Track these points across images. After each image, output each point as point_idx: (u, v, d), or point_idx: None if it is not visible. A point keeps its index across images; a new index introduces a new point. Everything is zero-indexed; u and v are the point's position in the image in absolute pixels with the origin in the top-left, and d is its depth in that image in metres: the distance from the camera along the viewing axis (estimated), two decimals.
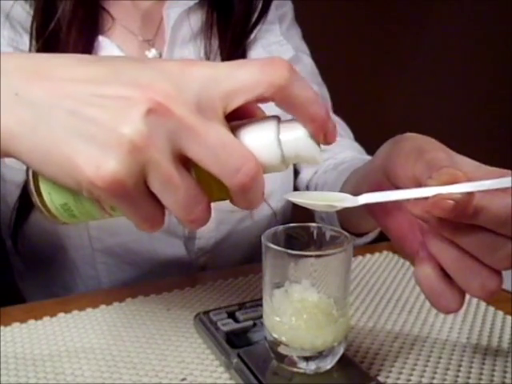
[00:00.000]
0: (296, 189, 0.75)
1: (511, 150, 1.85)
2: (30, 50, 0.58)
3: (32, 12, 0.59)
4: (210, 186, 0.32)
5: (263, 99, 0.30)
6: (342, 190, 0.59)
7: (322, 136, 0.32)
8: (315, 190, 0.72)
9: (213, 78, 0.29)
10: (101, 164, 0.28)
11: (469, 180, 0.30)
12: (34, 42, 0.58)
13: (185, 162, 0.30)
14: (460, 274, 0.32)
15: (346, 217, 0.61)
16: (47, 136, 0.29)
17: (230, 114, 0.31)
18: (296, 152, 0.32)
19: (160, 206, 0.31)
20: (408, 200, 0.32)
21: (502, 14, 1.89)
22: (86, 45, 0.60)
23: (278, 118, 0.32)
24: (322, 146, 0.33)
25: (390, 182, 0.37)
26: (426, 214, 0.31)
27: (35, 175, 0.34)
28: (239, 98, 0.30)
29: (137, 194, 0.30)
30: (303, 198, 0.34)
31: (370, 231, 0.61)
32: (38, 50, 0.58)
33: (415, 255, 0.35)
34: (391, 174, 0.37)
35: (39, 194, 0.34)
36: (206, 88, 0.29)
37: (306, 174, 0.74)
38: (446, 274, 0.33)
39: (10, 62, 0.31)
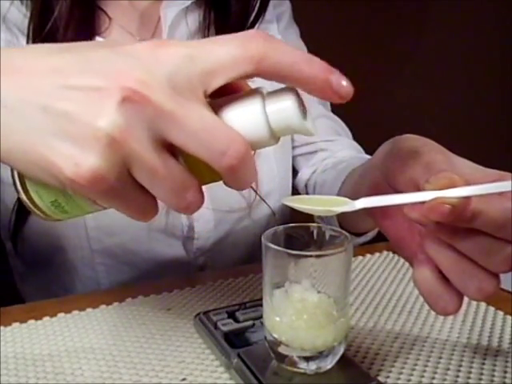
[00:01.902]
0: (294, 188, 0.75)
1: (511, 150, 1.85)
2: None
3: (28, 14, 0.59)
4: (200, 170, 0.30)
5: (248, 76, 0.29)
6: (340, 190, 0.59)
7: (333, 94, 0.29)
8: (314, 188, 0.72)
9: (188, 58, 0.28)
10: (79, 162, 0.27)
11: (466, 183, 0.30)
12: (30, 44, 0.58)
13: (170, 148, 0.29)
14: (457, 276, 0.32)
15: (344, 217, 0.60)
16: (23, 136, 0.28)
17: (218, 92, 0.29)
18: (285, 124, 0.30)
19: (151, 196, 0.30)
20: (405, 204, 0.32)
21: (501, 12, 1.89)
22: None
23: (263, 91, 0.30)
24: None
25: (388, 184, 0.37)
26: (424, 218, 0.31)
27: (20, 174, 0.33)
28: (219, 78, 0.28)
29: (122, 188, 0.29)
30: (300, 203, 0.34)
31: (368, 231, 0.61)
32: None
33: (414, 257, 0.35)
34: (389, 176, 0.37)
35: (27, 193, 0.34)
36: (182, 69, 0.28)
37: (304, 173, 0.74)
38: (443, 277, 0.33)
39: None
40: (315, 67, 0.29)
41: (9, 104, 0.28)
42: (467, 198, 0.29)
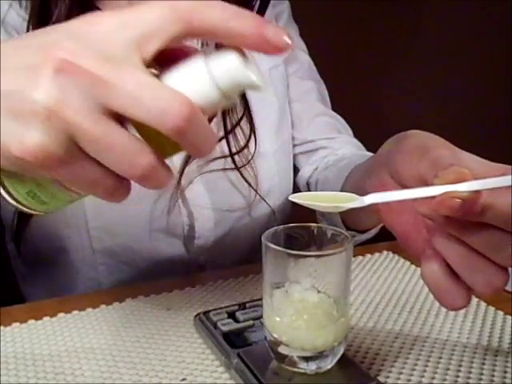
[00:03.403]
0: (296, 186, 0.75)
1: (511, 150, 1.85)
2: None
3: (27, 17, 0.59)
4: (156, 140, 0.29)
5: (182, 36, 0.29)
6: (343, 187, 0.59)
7: (270, 47, 0.29)
8: (316, 186, 0.72)
9: (119, 25, 0.28)
10: (23, 138, 0.27)
11: (475, 178, 0.30)
12: None
13: (119, 119, 0.28)
14: (466, 270, 0.32)
15: (348, 214, 0.60)
16: None
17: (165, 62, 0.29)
18: (232, 81, 0.29)
19: (112, 173, 0.29)
20: (415, 199, 0.32)
21: (499, 12, 1.89)
22: None
23: (205, 51, 0.30)
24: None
25: (394, 180, 0.37)
26: (433, 213, 0.31)
27: None
28: (153, 42, 0.28)
29: (74, 162, 0.28)
30: (308, 200, 0.33)
31: (372, 228, 0.61)
32: None
33: (421, 252, 0.35)
34: (395, 172, 0.37)
35: (5, 187, 0.33)
36: (114, 36, 0.28)
37: (305, 172, 0.74)
38: (452, 271, 0.33)
39: None
40: (247, 22, 0.29)
41: None
42: (477, 192, 0.29)
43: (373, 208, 0.35)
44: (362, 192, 0.33)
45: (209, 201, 0.64)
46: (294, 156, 0.75)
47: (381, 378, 0.39)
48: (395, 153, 0.37)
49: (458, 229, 0.31)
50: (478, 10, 1.86)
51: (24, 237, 0.66)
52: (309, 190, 0.75)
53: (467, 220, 0.30)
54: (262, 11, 0.68)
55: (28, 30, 0.58)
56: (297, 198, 0.33)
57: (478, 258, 0.32)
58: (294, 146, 0.74)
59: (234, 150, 0.64)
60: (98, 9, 0.64)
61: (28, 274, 0.70)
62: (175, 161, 0.63)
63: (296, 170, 0.75)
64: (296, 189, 0.76)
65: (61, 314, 0.49)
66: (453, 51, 1.89)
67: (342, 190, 0.58)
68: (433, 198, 0.30)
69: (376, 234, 0.67)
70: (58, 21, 0.58)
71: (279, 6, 0.74)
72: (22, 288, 0.72)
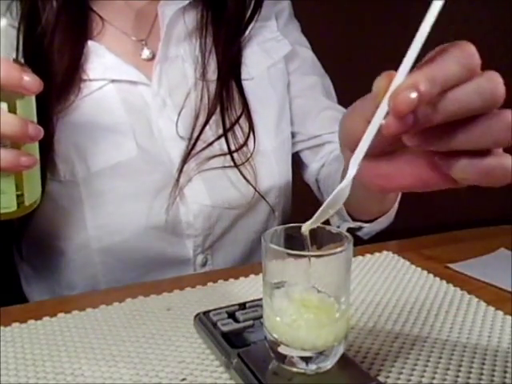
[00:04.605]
0: (305, 183, 0.76)
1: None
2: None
3: (17, 24, 0.59)
4: None
5: None
6: (341, 178, 0.60)
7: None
8: (324, 181, 0.73)
9: None
10: None
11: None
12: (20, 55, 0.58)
13: None
14: (479, 177, 0.32)
15: (352, 204, 0.61)
16: None
17: None
18: None
19: None
20: (378, 131, 0.31)
21: (498, 14, 1.89)
22: (73, 51, 0.60)
23: None
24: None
25: (350, 148, 0.36)
26: (403, 121, 0.30)
27: None
28: None
29: None
30: (316, 222, 0.36)
31: (378, 215, 0.61)
32: (26, 61, 0.57)
33: (445, 179, 0.34)
34: (348, 142, 0.37)
35: None
36: None
37: (313, 168, 0.75)
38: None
39: None
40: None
41: None
42: (413, 76, 0.29)
43: (363, 182, 0.35)
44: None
45: (208, 198, 0.64)
46: (301, 152, 0.75)
47: (381, 378, 0.39)
48: (339, 132, 0.38)
49: (452, 140, 0.31)
50: (479, 13, 1.86)
51: (26, 239, 0.66)
52: (318, 188, 0.75)
53: (448, 129, 0.30)
54: (257, 8, 0.68)
55: (18, 39, 0.58)
56: (309, 226, 0.36)
57: (481, 158, 0.31)
58: (300, 141, 0.74)
59: (233, 148, 0.64)
60: (92, 10, 0.64)
61: (31, 276, 0.71)
62: (174, 158, 0.63)
63: (304, 166, 0.76)
64: (305, 186, 0.76)
65: (61, 314, 0.49)
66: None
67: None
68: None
69: (376, 234, 0.67)
70: (47, 25, 0.58)
71: (279, 5, 0.74)
72: (25, 289, 0.72)
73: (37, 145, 0.47)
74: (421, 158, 0.34)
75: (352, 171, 0.33)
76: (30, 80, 0.42)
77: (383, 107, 0.31)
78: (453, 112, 0.30)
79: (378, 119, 0.31)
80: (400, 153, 0.34)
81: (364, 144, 0.32)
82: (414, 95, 0.29)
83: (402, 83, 0.30)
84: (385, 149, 0.34)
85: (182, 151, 0.63)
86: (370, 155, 0.34)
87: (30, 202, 0.46)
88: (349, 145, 0.36)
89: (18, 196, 0.45)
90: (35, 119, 0.46)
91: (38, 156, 0.47)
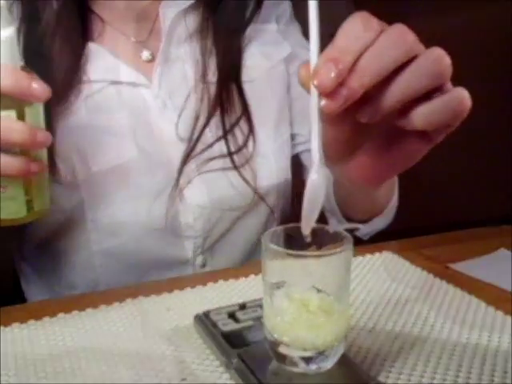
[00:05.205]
0: (304, 184, 0.76)
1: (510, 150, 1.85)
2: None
3: (17, 25, 0.59)
4: None
5: None
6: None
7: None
8: None
9: None
10: None
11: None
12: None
13: None
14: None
15: (344, 201, 0.63)
16: None
17: None
18: None
19: None
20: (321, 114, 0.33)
21: (498, 17, 1.89)
22: (74, 52, 0.60)
23: None
24: None
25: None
26: (335, 100, 0.31)
27: None
28: None
29: None
30: (309, 220, 0.36)
31: (374, 213, 0.61)
32: (26, 63, 0.57)
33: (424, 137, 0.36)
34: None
35: None
36: None
37: None
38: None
39: None
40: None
41: None
42: (324, 52, 0.32)
43: (356, 181, 0.38)
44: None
45: (207, 200, 0.64)
46: (301, 154, 0.75)
47: (381, 378, 0.39)
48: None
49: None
50: (479, 16, 1.86)
51: (27, 240, 0.66)
52: None
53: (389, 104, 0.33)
54: (256, 10, 0.68)
55: (18, 40, 0.58)
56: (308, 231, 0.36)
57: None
58: (300, 143, 0.74)
59: (232, 150, 0.64)
60: (92, 11, 0.64)
61: (29, 274, 0.71)
62: (174, 160, 0.63)
63: (303, 167, 0.75)
64: (296, 188, 0.76)
65: (61, 314, 0.49)
66: (455, 50, 1.89)
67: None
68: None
69: (376, 234, 0.67)
70: (47, 27, 0.58)
71: (280, 7, 0.74)
72: (25, 289, 0.72)
73: (45, 151, 0.47)
74: (385, 137, 0.36)
75: (316, 159, 0.34)
76: (38, 88, 0.42)
77: (313, 91, 0.32)
78: (400, 97, 0.33)
79: (315, 103, 0.33)
80: (367, 141, 0.37)
81: (314, 132, 0.34)
82: (331, 67, 0.31)
83: (316, 63, 0.32)
84: (349, 143, 0.37)
85: (181, 153, 0.63)
86: (342, 155, 0.36)
87: (40, 207, 0.46)
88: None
89: (27, 202, 0.45)
90: (44, 126, 0.46)
91: (46, 162, 0.47)
